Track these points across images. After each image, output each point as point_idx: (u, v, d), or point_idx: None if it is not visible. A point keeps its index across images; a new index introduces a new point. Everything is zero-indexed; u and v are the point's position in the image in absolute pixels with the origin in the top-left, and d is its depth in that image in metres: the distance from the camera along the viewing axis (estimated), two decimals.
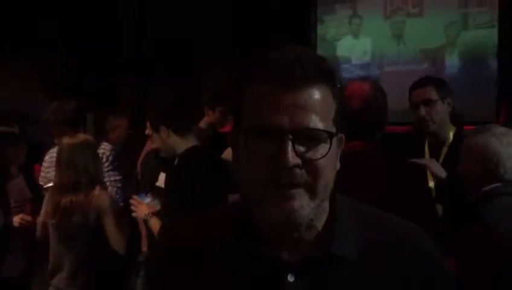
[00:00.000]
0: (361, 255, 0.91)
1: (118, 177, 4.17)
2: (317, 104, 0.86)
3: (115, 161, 4.21)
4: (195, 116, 3.09)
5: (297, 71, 0.85)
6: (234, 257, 0.93)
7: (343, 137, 0.94)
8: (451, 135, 2.70)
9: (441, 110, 2.68)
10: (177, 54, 6.26)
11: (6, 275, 3.21)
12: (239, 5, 6.26)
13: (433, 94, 2.67)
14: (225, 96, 3.03)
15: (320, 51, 5.98)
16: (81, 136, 3.03)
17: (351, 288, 0.91)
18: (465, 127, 2.74)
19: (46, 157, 3.67)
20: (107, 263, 2.90)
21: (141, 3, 6.72)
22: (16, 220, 3.19)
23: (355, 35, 6.25)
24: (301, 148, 0.86)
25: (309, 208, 0.87)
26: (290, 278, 0.90)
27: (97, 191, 2.87)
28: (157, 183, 2.91)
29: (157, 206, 2.69)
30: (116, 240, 2.85)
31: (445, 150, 2.68)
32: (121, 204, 3.53)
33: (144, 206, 2.70)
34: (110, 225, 2.84)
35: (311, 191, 0.87)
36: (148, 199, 2.77)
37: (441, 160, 2.65)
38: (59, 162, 2.91)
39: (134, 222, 2.88)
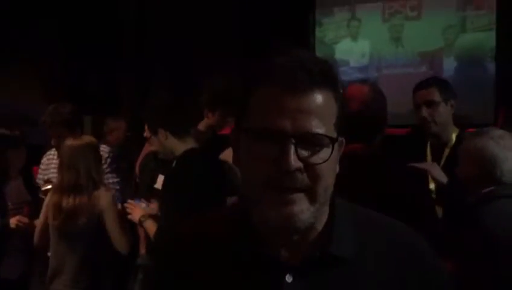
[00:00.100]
0: (359, 256, 0.92)
1: (115, 180, 4.16)
2: (320, 109, 0.87)
3: (113, 163, 4.20)
4: (194, 119, 3.09)
5: (302, 76, 0.86)
6: (232, 258, 0.94)
7: (343, 140, 0.94)
8: (453, 137, 2.69)
9: (444, 112, 2.68)
10: (177, 55, 6.26)
11: (4, 276, 3.20)
12: (238, 7, 6.27)
13: (436, 96, 2.67)
14: (226, 98, 3.02)
15: (318, 54, 5.95)
16: (85, 138, 3.05)
17: (350, 288, 0.92)
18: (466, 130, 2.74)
19: (44, 159, 3.67)
20: (110, 265, 2.90)
21: (141, 4, 6.71)
22: (13, 222, 3.19)
23: (354, 38, 6.26)
24: (303, 152, 0.87)
25: (309, 213, 0.88)
26: (288, 279, 0.91)
27: (100, 192, 2.87)
28: (156, 186, 2.91)
29: (151, 211, 2.70)
30: (119, 240, 2.86)
31: (447, 152, 2.68)
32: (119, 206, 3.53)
33: (139, 209, 2.70)
34: (113, 226, 2.84)
35: (312, 195, 0.88)
36: (143, 205, 2.78)
37: (442, 162, 2.65)
38: (62, 163, 2.91)
39: (133, 224, 2.88)
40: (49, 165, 3.61)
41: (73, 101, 3.87)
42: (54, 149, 3.60)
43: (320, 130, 0.87)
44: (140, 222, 2.71)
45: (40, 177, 3.63)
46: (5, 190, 3.27)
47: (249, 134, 0.89)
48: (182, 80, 5.78)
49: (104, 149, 4.24)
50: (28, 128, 4.37)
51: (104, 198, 2.87)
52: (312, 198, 0.88)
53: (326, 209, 0.94)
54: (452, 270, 1.85)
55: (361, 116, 1.80)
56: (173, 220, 2.35)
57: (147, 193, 2.99)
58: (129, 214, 2.75)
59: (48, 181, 3.41)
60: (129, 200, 2.79)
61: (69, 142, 2.94)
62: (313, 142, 0.87)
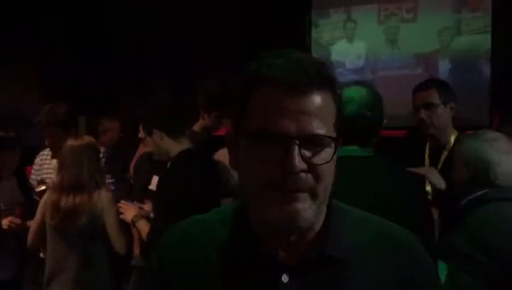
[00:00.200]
0: (355, 256, 0.94)
1: (110, 181, 4.14)
2: (320, 110, 0.88)
3: (107, 163, 4.19)
4: (190, 119, 3.08)
5: (302, 77, 0.87)
6: (228, 259, 0.95)
7: (340, 141, 0.95)
8: (452, 139, 2.67)
9: (442, 114, 2.66)
10: (175, 57, 6.25)
11: None
12: (235, 9, 6.26)
13: (435, 98, 2.66)
14: (222, 100, 3.01)
15: (314, 55, 5.91)
16: (86, 138, 3.05)
17: (345, 288, 0.92)
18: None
19: (37, 160, 3.65)
20: (110, 265, 2.90)
21: (141, 4, 6.69)
22: (5, 223, 3.17)
23: (350, 40, 6.26)
24: (307, 153, 0.88)
25: (311, 211, 0.89)
26: (284, 279, 0.91)
27: (101, 192, 2.88)
28: (150, 187, 2.90)
29: (145, 212, 2.69)
30: (117, 241, 2.86)
31: (445, 154, 2.67)
32: None
33: (132, 209, 2.69)
34: (112, 226, 2.84)
35: (313, 194, 0.89)
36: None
37: (440, 164, 2.64)
38: (63, 162, 2.90)
39: (127, 225, 2.87)
40: (42, 165, 3.59)
41: (72, 101, 3.86)
42: (47, 149, 3.58)
43: (321, 131, 0.88)
44: (133, 222, 2.70)
45: (33, 177, 3.62)
46: None
47: (249, 135, 0.89)
48: (182, 80, 5.78)
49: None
50: (23, 129, 4.35)
51: (104, 198, 2.87)
52: (313, 198, 0.89)
53: (324, 210, 0.95)
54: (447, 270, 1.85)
55: (359, 118, 1.80)
56: (167, 221, 2.33)
57: (141, 194, 2.98)
58: (122, 214, 2.74)
59: (41, 182, 3.39)
60: (122, 201, 2.78)
61: (71, 141, 2.94)
62: (314, 143, 0.88)
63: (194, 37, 6.11)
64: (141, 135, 2.67)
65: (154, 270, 1.03)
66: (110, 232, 2.85)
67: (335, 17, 6.31)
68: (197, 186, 2.43)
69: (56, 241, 2.88)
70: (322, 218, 0.95)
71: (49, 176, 3.47)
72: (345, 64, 6.22)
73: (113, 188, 4.13)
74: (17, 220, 3.17)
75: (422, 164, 2.75)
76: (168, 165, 2.58)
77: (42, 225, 2.94)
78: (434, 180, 2.48)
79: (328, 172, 0.90)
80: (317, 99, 0.88)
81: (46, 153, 3.60)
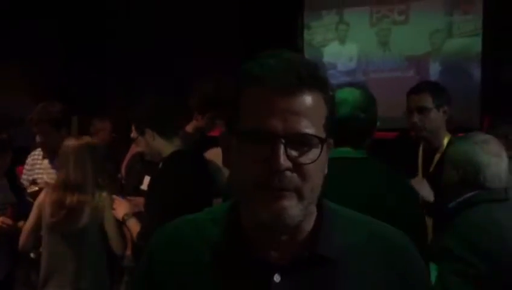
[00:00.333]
0: (346, 256, 0.94)
1: None
2: (309, 110, 0.89)
3: None
4: (183, 120, 3.07)
5: (293, 78, 0.88)
6: (220, 258, 0.95)
7: (332, 142, 0.96)
8: (445, 141, 2.67)
9: (435, 118, 2.67)
10: (175, 57, 6.24)
11: None
12: (226, 11, 6.26)
13: (428, 102, 2.66)
14: (215, 101, 3.01)
15: (306, 57, 5.98)
16: (86, 138, 3.04)
17: (337, 288, 0.93)
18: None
19: (28, 160, 3.62)
20: (109, 265, 2.89)
21: (141, 4, 6.66)
22: None
23: (342, 42, 6.28)
24: (293, 153, 0.88)
25: (297, 209, 0.89)
26: (276, 279, 0.92)
27: (102, 192, 2.87)
28: (142, 187, 2.89)
29: (135, 208, 2.68)
30: (115, 241, 2.85)
31: (438, 156, 2.68)
32: None
33: (124, 206, 2.67)
34: (111, 226, 2.84)
35: (299, 194, 0.89)
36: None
37: (432, 167, 2.65)
38: (67, 161, 2.87)
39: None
40: (34, 165, 3.57)
41: (70, 102, 3.84)
42: (38, 149, 3.56)
43: (310, 131, 0.88)
44: (124, 220, 2.68)
45: (24, 177, 3.59)
46: None
47: (240, 135, 0.90)
48: (182, 80, 5.76)
49: None
50: (14, 129, 4.32)
51: (105, 198, 2.86)
52: (300, 197, 0.89)
53: (314, 210, 0.96)
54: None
55: (352, 119, 1.80)
56: (159, 222, 2.33)
57: (133, 194, 2.97)
58: (113, 209, 2.73)
59: (33, 183, 3.37)
60: (115, 196, 2.77)
61: (72, 141, 2.93)
62: (302, 142, 0.88)
63: (194, 37, 6.11)
64: (133, 135, 2.66)
65: (144, 269, 1.03)
66: (108, 232, 2.84)
67: (327, 18, 6.33)
68: (189, 187, 2.43)
69: (55, 242, 2.86)
70: (312, 218, 0.95)
71: (40, 176, 3.45)
72: (337, 66, 6.23)
73: None
74: (9, 221, 3.14)
75: (415, 166, 2.76)
76: (160, 165, 2.57)
77: (37, 225, 2.91)
78: (424, 192, 2.48)
79: (315, 172, 0.90)
80: (307, 99, 0.89)
81: (37, 153, 3.57)
